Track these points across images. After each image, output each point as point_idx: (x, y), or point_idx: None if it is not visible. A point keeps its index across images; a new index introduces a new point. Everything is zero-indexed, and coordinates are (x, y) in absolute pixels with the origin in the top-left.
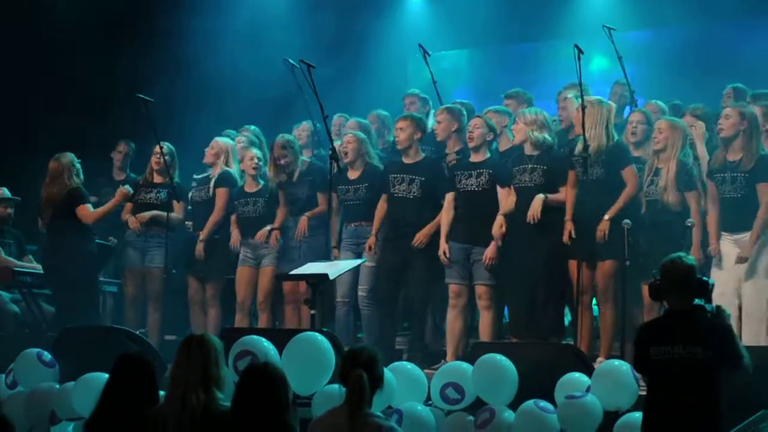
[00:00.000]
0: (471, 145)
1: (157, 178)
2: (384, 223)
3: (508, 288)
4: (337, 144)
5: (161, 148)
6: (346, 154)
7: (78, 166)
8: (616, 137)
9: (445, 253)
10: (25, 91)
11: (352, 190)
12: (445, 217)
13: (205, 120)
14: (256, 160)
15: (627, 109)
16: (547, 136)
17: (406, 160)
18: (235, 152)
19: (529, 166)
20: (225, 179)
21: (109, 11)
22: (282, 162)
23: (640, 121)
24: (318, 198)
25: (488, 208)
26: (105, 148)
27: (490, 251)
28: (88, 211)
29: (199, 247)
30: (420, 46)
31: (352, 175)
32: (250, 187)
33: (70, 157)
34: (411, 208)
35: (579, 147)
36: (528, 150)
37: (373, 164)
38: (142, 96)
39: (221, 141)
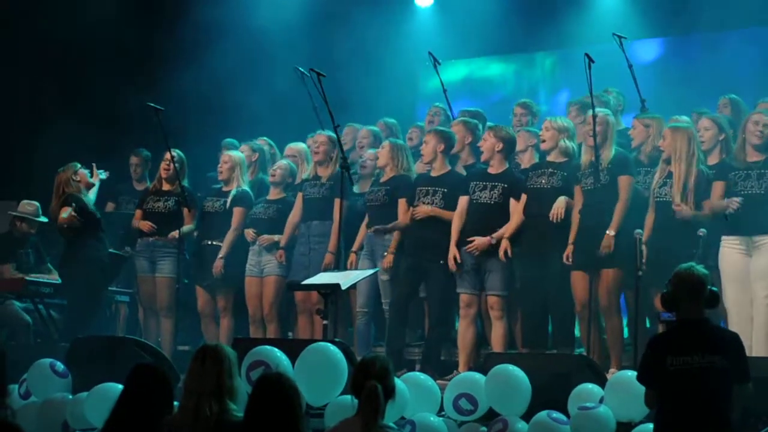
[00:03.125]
0: (483, 158)
1: (166, 186)
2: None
3: (520, 298)
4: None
5: (172, 155)
6: (380, 159)
7: (82, 170)
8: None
9: (455, 258)
10: (39, 98)
11: (375, 191)
12: (457, 222)
13: (216, 129)
14: (280, 170)
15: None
16: (572, 144)
17: (432, 173)
18: (245, 165)
19: (549, 170)
20: (242, 198)
21: (122, 21)
22: (316, 157)
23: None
24: (335, 204)
25: (501, 220)
26: (123, 156)
27: (482, 242)
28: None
29: (219, 264)
30: (430, 54)
31: (383, 179)
32: (272, 195)
33: (69, 169)
34: (431, 217)
35: (585, 158)
36: (552, 157)
37: (404, 172)
38: (152, 105)
39: (234, 154)
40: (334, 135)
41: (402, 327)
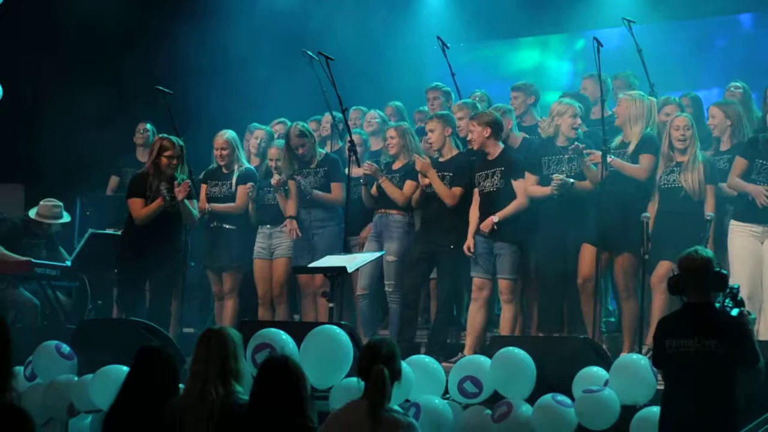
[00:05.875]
0: (475, 147)
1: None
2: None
3: (537, 282)
4: (355, 135)
5: (181, 146)
6: (390, 147)
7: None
8: (650, 130)
9: (469, 249)
10: (42, 78)
11: (389, 178)
12: (474, 213)
13: (225, 113)
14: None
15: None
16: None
17: (440, 159)
18: (240, 144)
19: (566, 156)
20: (247, 176)
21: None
22: (300, 151)
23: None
24: (332, 188)
25: (507, 204)
26: (127, 131)
27: (486, 224)
28: (137, 206)
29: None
30: (438, 38)
31: (396, 165)
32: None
33: (158, 140)
34: (441, 203)
35: (618, 140)
36: (563, 141)
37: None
38: (161, 88)
39: (227, 135)
40: (308, 126)
41: (415, 315)
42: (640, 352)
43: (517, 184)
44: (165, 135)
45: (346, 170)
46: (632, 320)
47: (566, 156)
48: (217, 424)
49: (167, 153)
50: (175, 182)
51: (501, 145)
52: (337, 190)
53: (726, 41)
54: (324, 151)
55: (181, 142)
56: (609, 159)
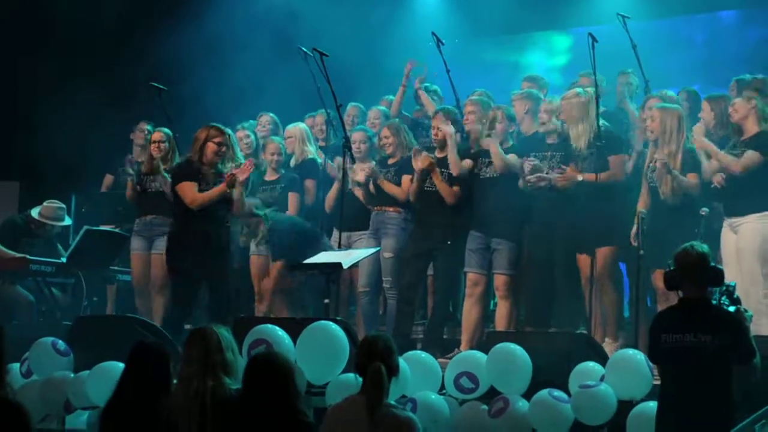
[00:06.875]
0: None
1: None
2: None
3: (526, 277)
4: (356, 133)
5: (176, 135)
6: (385, 146)
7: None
8: (605, 125)
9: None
10: (39, 76)
11: (383, 173)
12: None
13: (220, 109)
14: (277, 153)
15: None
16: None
17: (439, 154)
18: (235, 139)
19: (549, 153)
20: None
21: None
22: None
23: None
24: (289, 198)
25: (506, 196)
26: (123, 129)
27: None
28: (190, 190)
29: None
30: (433, 34)
31: (391, 160)
32: (270, 176)
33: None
34: (437, 199)
35: (578, 140)
36: (550, 138)
37: (409, 152)
38: (156, 84)
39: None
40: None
41: (412, 311)
42: (635, 347)
43: (513, 157)
44: (213, 124)
45: (341, 166)
46: (615, 306)
47: (548, 153)
48: (212, 418)
49: (216, 140)
50: (232, 165)
51: (510, 141)
52: (293, 202)
53: (707, 38)
54: (283, 171)
55: (230, 131)
56: (582, 177)
